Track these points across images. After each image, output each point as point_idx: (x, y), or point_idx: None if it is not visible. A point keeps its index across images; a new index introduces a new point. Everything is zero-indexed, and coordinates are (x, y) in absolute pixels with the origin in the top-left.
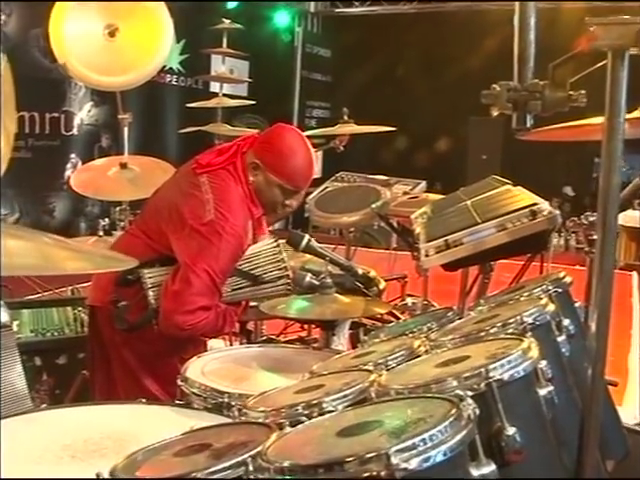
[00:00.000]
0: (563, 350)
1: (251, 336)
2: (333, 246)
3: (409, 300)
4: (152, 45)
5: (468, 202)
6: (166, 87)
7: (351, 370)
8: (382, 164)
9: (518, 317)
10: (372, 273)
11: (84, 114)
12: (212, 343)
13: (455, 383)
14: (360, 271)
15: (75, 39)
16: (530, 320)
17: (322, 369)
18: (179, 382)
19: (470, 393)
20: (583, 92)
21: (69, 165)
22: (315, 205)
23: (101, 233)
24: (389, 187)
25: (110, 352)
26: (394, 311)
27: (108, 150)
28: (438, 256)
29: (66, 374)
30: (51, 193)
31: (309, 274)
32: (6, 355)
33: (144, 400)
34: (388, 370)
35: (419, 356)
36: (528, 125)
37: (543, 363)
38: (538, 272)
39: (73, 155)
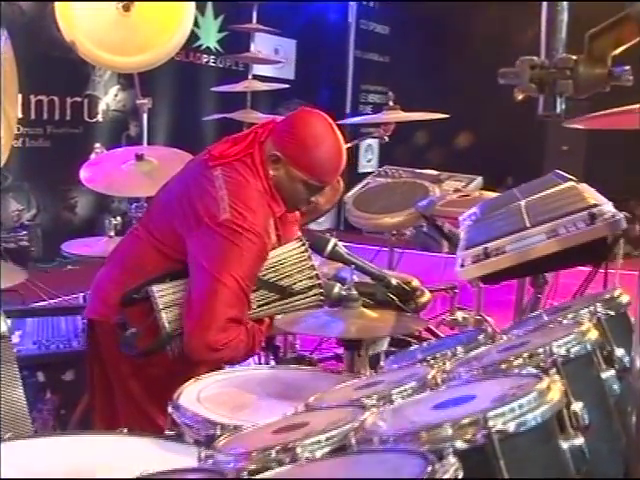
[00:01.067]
0: (614, 387)
1: (279, 353)
2: (386, 249)
3: (459, 314)
4: (172, 20)
5: (522, 202)
6: (202, 69)
7: (346, 405)
8: (438, 157)
9: (547, 347)
10: (414, 283)
11: (110, 99)
12: None
13: (450, 432)
14: (394, 281)
15: (84, 14)
16: (562, 351)
17: (319, 401)
18: (169, 409)
19: (465, 446)
20: (627, 68)
21: (93, 156)
22: (353, 204)
23: (112, 233)
24: (439, 183)
25: (111, 374)
26: (434, 328)
27: (137, 139)
28: (475, 267)
29: (73, 392)
30: (72, 187)
31: (338, 284)
32: (4, 370)
33: (125, 430)
34: (387, 405)
35: (432, 389)
36: (558, 110)
37: (578, 406)
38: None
39: (97, 145)
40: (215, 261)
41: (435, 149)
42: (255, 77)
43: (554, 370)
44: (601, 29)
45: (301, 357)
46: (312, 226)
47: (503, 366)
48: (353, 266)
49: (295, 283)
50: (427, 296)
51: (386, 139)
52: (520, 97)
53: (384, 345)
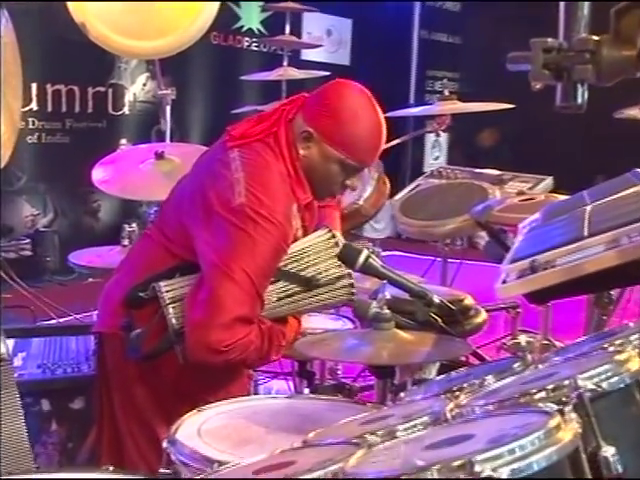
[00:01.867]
0: None
1: (314, 380)
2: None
3: (522, 338)
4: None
5: (588, 207)
6: (243, 53)
7: (341, 442)
8: (513, 154)
9: (572, 380)
10: (466, 301)
11: (137, 88)
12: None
13: (436, 475)
14: (436, 299)
15: None
16: (589, 385)
17: (319, 436)
18: (164, 444)
19: None
20: None
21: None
22: (400, 209)
23: (126, 242)
24: (500, 185)
25: (116, 395)
26: (483, 354)
27: (171, 135)
28: (518, 283)
29: (81, 422)
30: (95, 189)
31: (375, 302)
32: (3, 398)
33: (111, 468)
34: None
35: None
36: (579, 101)
37: (609, 451)
38: None
39: (124, 141)
40: (224, 252)
41: (511, 145)
42: (303, 63)
43: (570, 407)
44: (628, 5)
45: (340, 385)
46: (370, 234)
47: (522, 400)
48: (388, 280)
49: (320, 273)
50: (482, 316)
51: (441, 134)
52: (538, 86)
53: (432, 372)
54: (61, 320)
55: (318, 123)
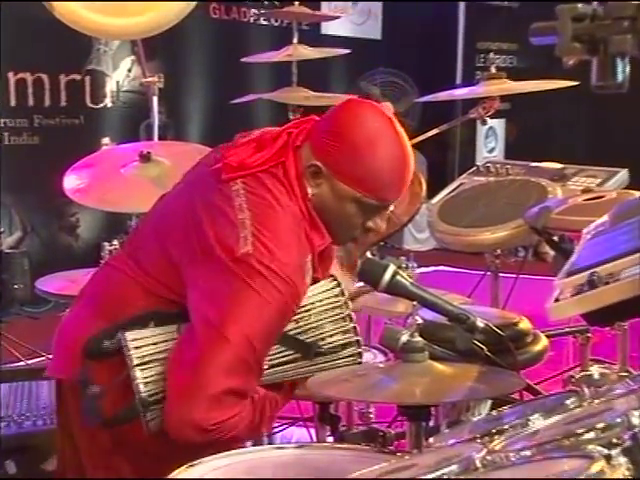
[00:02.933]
0: None
1: (338, 426)
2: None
3: (594, 369)
4: None
5: None
6: (250, 29)
7: None
8: (585, 145)
9: (625, 417)
10: (522, 325)
11: (121, 75)
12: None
13: None
14: (480, 323)
15: None
16: None
17: None
18: None
19: None
20: None
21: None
22: (439, 214)
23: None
24: (562, 182)
25: (84, 457)
26: (539, 389)
27: (162, 131)
28: (574, 301)
29: None
30: (72, 200)
31: (405, 330)
32: None
33: None
34: None
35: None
36: (620, 78)
37: None
38: None
39: (106, 140)
40: (222, 309)
41: (577, 132)
42: (324, 39)
43: (619, 450)
44: None
45: (372, 432)
46: (412, 246)
47: (566, 443)
48: (419, 302)
49: (323, 338)
50: (542, 343)
51: (487, 120)
52: (570, 63)
53: (483, 413)
54: (30, 362)
55: (327, 155)
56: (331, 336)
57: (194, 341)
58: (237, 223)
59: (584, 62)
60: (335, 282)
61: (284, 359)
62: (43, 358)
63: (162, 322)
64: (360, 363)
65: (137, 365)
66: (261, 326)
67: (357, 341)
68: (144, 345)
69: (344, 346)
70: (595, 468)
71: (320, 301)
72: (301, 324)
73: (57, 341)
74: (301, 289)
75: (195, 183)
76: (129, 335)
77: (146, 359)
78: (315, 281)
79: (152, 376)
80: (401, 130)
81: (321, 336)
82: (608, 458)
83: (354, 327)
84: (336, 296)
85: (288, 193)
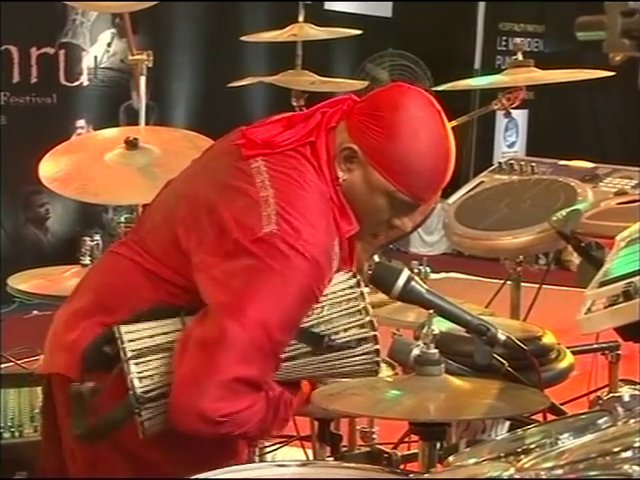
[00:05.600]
0: None
1: (339, 445)
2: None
3: (625, 390)
4: None
5: None
6: (248, 3)
7: None
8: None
9: None
10: (545, 339)
11: (100, 50)
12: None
13: None
14: (502, 336)
15: None
16: None
17: None
18: None
19: None
20: None
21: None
22: (455, 215)
23: (87, 260)
24: (594, 182)
25: (70, 463)
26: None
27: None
28: (608, 313)
29: None
30: (42, 188)
31: (416, 343)
32: None
33: None
34: None
35: None
36: None
37: None
38: None
39: (81, 122)
40: (239, 292)
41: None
42: (328, 16)
43: None
44: None
45: (376, 453)
46: (420, 249)
47: (601, 462)
48: (433, 311)
49: (337, 332)
50: (568, 360)
51: (511, 112)
52: (617, 58)
53: (503, 430)
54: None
55: (365, 139)
56: (345, 330)
57: (204, 325)
58: (259, 201)
59: None
60: (350, 273)
61: (293, 353)
62: (10, 364)
63: (164, 316)
64: (377, 362)
65: (131, 358)
66: (281, 311)
67: (374, 337)
68: (139, 338)
69: (359, 342)
70: None
71: (334, 292)
72: (313, 316)
73: (53, 337)
74: (327, 273)
75: (208, 165)
76: (123, 327)
77: (142, 352)
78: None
79: (148, 370)
80: (448, 125)
81: (335, 330)
82: None
83: (371, 321)
84: (351, 287)
85: (316, 172)
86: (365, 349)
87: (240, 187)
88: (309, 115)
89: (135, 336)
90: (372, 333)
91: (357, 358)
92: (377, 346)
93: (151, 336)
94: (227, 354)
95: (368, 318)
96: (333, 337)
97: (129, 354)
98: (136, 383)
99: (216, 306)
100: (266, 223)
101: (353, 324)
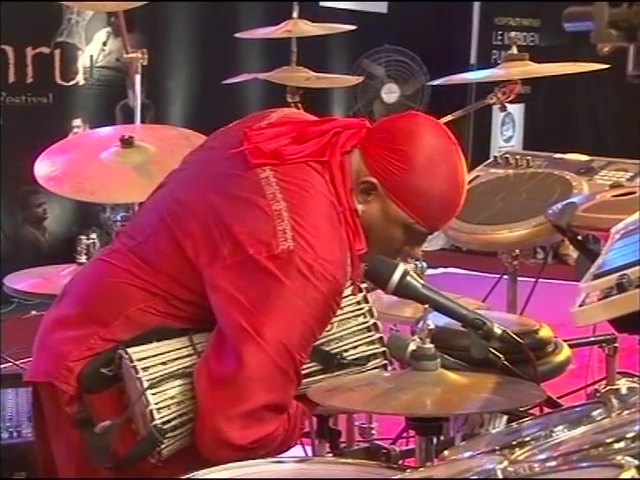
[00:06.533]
0: None
1: (338, 441)
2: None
3: (622, 383)
4: None
5: None
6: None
7: None
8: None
9: None
10: (542, 332)
11: (95, 49)
12: None
13: None
14: (498, 330)
15: None
16: None
17: None
18: None
19: None
20: None
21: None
22: None
23: (83, 259)
24: (589, 175)
25: (60, 465)
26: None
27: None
28: (602, 305)
29: None
30: (39, 188)
31: (413, 338)
32: None
33: None
34: None
35: None
36: None
37: None
38: None
39: (77, 121)
40: (257, 315)
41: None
42: (323, 12)
43: None
44: None
45: (375, 449)
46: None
47: (594, 452)
48: (429, 306)
49: (347, 350)
50: (565, 353)
51: (507, 107)
52: (606, 49)
53: (500, 424)
54: None
55: (385, 173)
56: (355, 347)
57: (225, 351)
58: (272, 215)
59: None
60: (357, 289)
61: (306, 372)
62: (9, 364)
63: (167, 336)
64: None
65: (148, 388)
66: (301, 333)
67: (383, 352)
68: (152, 365)
69: (369, 358)
70: (626, 476)
71: (342, 309)
72: (323, 334)
73: (39, 343)
74: (343, 287)
75: (211, 170)
76: (134, 355)
77: (157, 381)
78: None
79: (165, 400)
80: (461, 153)
81: (344, 347)
82: (639, 468)
83: (380, 337)
84: (358, 303)
85: (327, 186)
86: (374, 364)
87: (250, 199)
88: (322, 132)
89: (148, 363)
90: (382, 349)
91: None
92: (386, 361)
93: (164, 362)
94: (251, 384)
95: (377, 335)
96: (344, 354)
97: (145, 384)
98: (156, 415)
99: (233, 329)
100: (282, 239)
101: (362, 341)
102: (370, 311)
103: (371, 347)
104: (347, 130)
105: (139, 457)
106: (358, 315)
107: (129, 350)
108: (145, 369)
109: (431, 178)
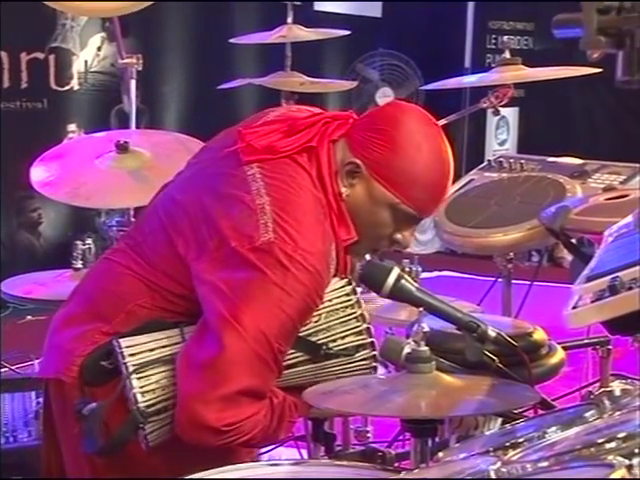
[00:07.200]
0: None
1: (333, 445)
2: None
3: (616, 385)
4: None
5: None
6: (237, 6)
7: None
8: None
9: None
10: (536, 335)
11: (90, 54)
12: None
13: None
14: (492, 332)
15: None
16: None
17: None
18: None
19: None
20: None
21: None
22: (445, 213)
23: (79, 264)
24: (583, 179)
25: (69, 467)
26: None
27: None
28: (594, 307)
29: None
30: (34, 193)
31: (408, 341)
32: None
33: None
34: None
35: None
36: None
37: None
38: None
39: (72, 126)
40: (238, 303)
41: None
42: (317, 16)
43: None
44: None
45: (370, 452)
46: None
47: (586, 453)
48: (426, 308)
49: (335, 340)
50: (559, 356)
51: (500, 111)
52: (595, 55)
53: (495, 426)
54: None
55: (368, 153)
56: (343, 338)
57: (205, 338)
58: (256, 209)
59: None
60: (345, 280)
61: (291, 361)
62: (5, 369)
63: (160, 328)
64: (375, 367)
65: (133, 372)
66: (281, 320)
67: (371, 343)
68: (139, 352)
69: (357, 348)
70: (616, 475)
71: (330, 300)
72: (310, 325)
73: (49, 341)
74: (326, 280)
75: (203, 169)
76: (123, 342)
77: (142, 366)
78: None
79: (150, 384)
80: (447, 142)
81: (332, 338)
82: (629, 468)
83: (367, 328)
84: (347, 295)
85: (312, 179)
86: (362, 355)
87: (236, 195)
88: (311, 123)
89: (135, 350)
90: (369, 340)
91: (354, 364)
92: (374, 352)
93: (151, 349)
94: (229, 369)
95: (365, 325)
96: (330, 345)
97: (130, 369)
98: (139, 398)
99: (214, 318)
100: (263, 231)
101: (350, 332)
102: (358, 302)
103: (359, 338)
104: (335, 121)
105: (124, 440)
106: (347, 306)
107: (120, 339)
108: (132, 355)
109: (414, 156)
